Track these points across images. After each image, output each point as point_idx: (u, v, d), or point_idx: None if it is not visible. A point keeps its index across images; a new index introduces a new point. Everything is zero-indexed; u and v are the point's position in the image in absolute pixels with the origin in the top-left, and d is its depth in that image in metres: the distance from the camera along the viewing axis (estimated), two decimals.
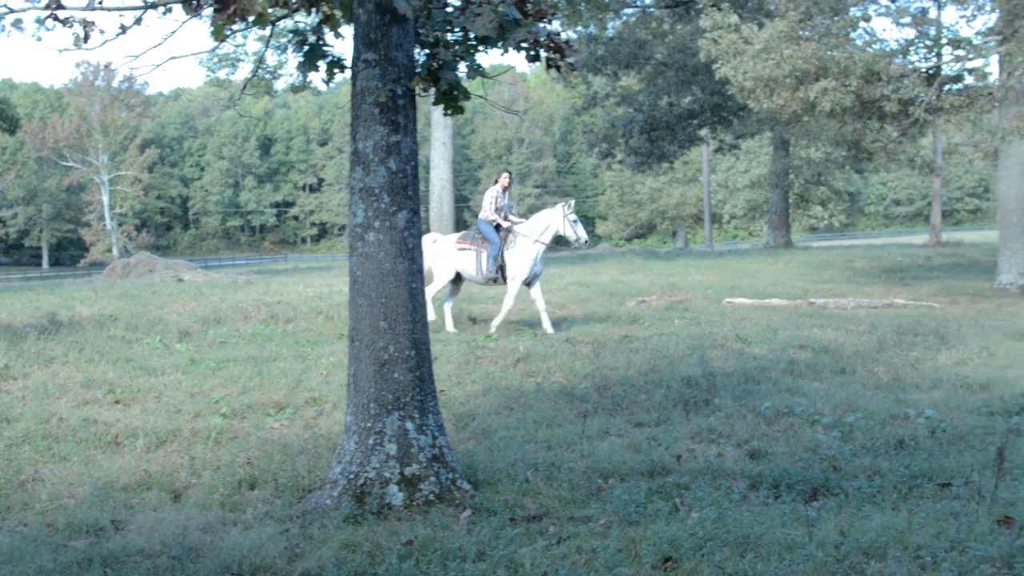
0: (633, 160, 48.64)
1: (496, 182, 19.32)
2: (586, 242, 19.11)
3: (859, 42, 26.33)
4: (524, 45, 7.75)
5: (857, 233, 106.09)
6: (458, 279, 19.36)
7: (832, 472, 8.18)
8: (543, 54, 7.98)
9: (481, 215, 19.28)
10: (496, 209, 19.05)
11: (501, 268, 18.77)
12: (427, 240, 19.33)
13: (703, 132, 48.84)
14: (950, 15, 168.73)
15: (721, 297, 23.09)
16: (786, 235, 51.28)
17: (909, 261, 37.15)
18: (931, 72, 26.36)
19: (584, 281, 26.81)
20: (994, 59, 26.37)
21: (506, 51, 7.61)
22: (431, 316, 18.32)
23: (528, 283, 18.73)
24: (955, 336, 16.48)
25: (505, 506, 7.44)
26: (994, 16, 25.96)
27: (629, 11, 45.68)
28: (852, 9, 26.95)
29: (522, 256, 18.59)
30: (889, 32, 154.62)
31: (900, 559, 6.14)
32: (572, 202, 19.27)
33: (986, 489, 7.42)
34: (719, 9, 26.68)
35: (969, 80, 26.93)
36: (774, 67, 24.16)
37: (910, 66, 26.19)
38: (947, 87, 26.40)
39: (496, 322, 18.62)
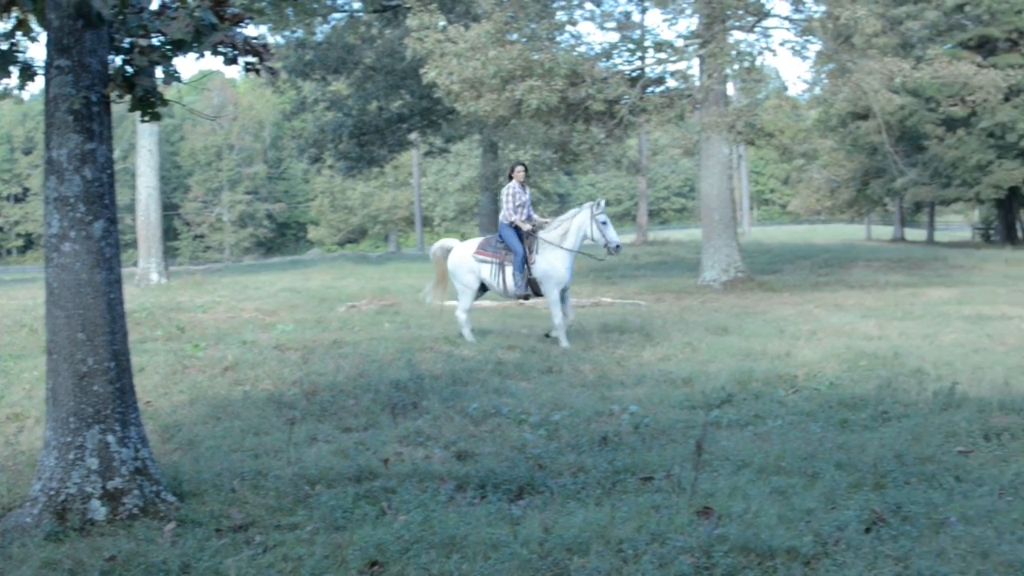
0: (343, 165, 48.48)
1: (511, 177, 17.11)
2: (618, 247, 16.64)
3: (565, 45, 26.98)
4: (221, 49, 7.68)
5: None
6: (483, 288, 17.42)
7: (538, 470, 8.33)
8: (241, 59, 7.91)
9: (501, 217, 17.09)
10: (516, 207, 16.85)
11: (531, 282, 16.66)
12: (441, 248, 18.04)
13: (413, 136, 49.08)
14: (654, 18, 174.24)
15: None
16: None
17: (616, 260, 38.19)
18: (635, 74, 27.25)
19: (295, 287, 26.59)
20: (696, 61, 27.41)
21: (202, 55, 7.52)
22: (468, 337, 16.77)
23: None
24: (660, 333, 17.07)
25: (211, 517, 7.32)
26: (695, 20, 27.01)
27: (337, 16, 45.54)
28: (558, 13, 27.62)
29: (553, 262, 16.50)
30: (596, 36, 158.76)
31: (603, 553, 6.31)
32: (602, 202, 17.00)
33: (686, 481, 7.70)
34: (427, 11, 26.90)
35: (671, 82, 27.99)
36: (479, 68, 24.51)
37: (614, 68, 27.02)
38: (650, 89, 27.36)
39: (558, 335, 16.43)
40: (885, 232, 73.70)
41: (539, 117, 26.07)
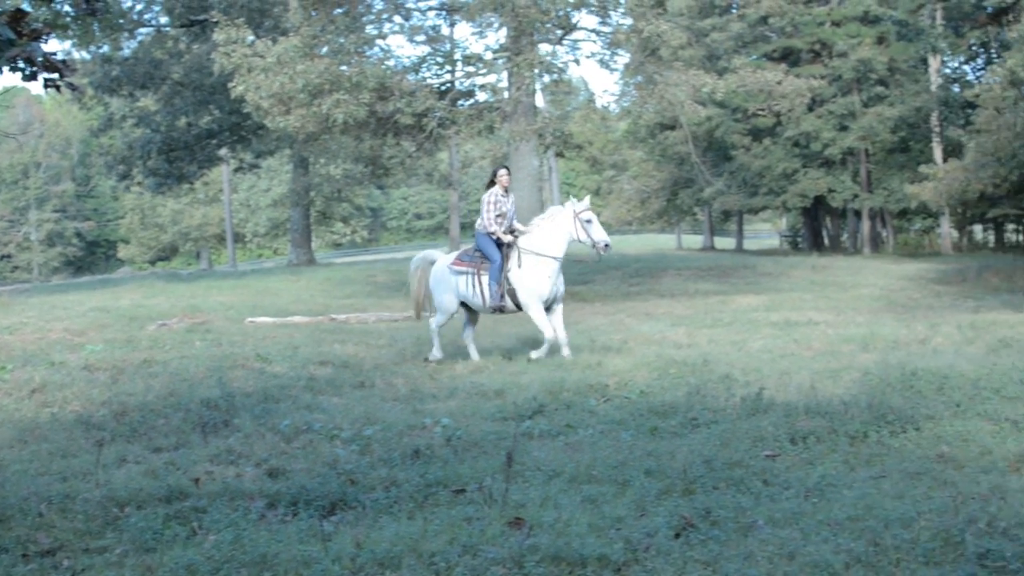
0: (152, 182, 47.89)
1: (493, 182, 15.93)
2: (607, 246, 15.75)
3: (374, 59, 27.03)
4: (20, 65, 7.57)
5: (381, 248, 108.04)
6: (466, 307, 16.40)
7: (350, 486, 8.33)
8: (41, 75, 7.80)
9: (478, 225, 15.99)
10: (497, 217, 15.71)
11: (511, 293, 15.60)
12: (421, 261, 17.24)
13: (223, 152, 48.69)
14: (463, 32, 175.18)
15: (243, 317, 23.02)
16: (309, 252, 51.65)
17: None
18: (444, 87, 27.45)
19: (104, 306, 26.01)
20: (505, 74, 27.69)
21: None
22: (437, 355, 16.18)
23: (547, 307, 15.72)
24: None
25: (17, 542, 7.17)
26: (503, 33, 27.32)
27: (144, 30, 44.89)
28: (368, 27, 27.66)
29: (532, 274, 15.47)
30: (406, 49, 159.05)
31: (415, 567, 6.34)
32: (587, 199, 15.96)
33: (498, 492, 7.81)
34: (234, 25, 26.69)
35: (481, 95, 28.28)
36: (287, 82, 24.42)
37: (423, 82, 27.18)
38: (460, 102, 27.59)
39: (540, 353, 15.54)
40: (695, 241, 75.20)
41: (348, 132, 26.09)
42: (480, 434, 10.20)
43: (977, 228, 64.47)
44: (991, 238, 64.18)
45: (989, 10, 42.34)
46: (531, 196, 28.85)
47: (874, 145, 50.15)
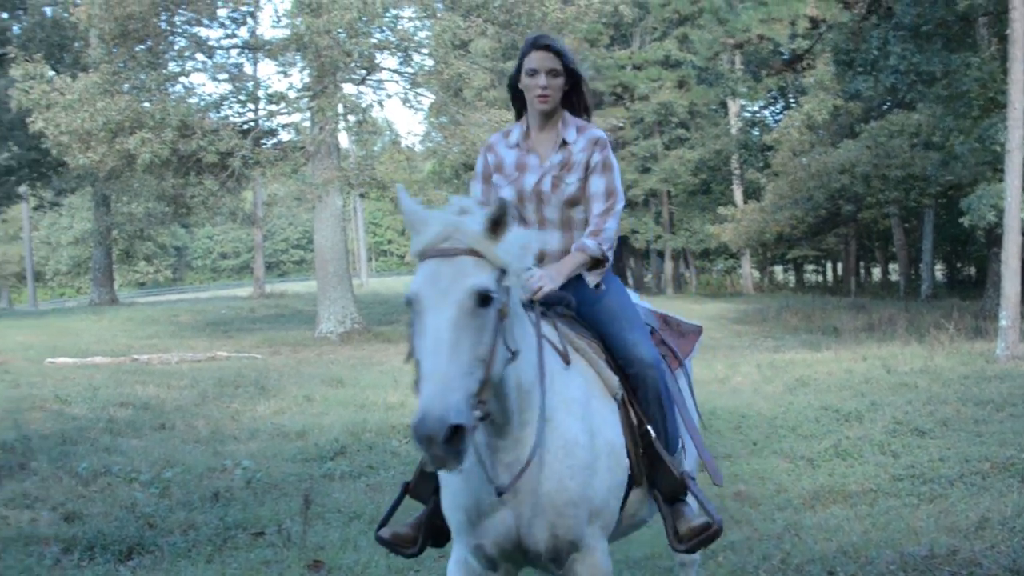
0: None
1: None
2: None
3: (176, 96, 26.73)
4: None
5: (185, 287, 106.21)
6: None
7: (148, 529, 8.28)
8: None
9: None
10: None
11: None
12: None
13: (22, 189, 47.45)
14: (267, 69, 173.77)
15: (43, 357, 22.51)
16: (111, 291, 50.52)
17: (234, 314, 37.93)
18: (248, 126, 27.30)
19: None
20: (309, 113, 27.65)
21: None
22: None
23: None
24: (275, 386, 17.14)
25: None
26: (307, 73, 27.30)
27: None
28: (170, 64, 27.38)
29: None
30: (209, 87, 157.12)
31: None
32: None
33: (297, 535, 7.86)
34: (31, 60, 26.17)
35: (284, 135, 28.19)
36: (88, 119, 24.03)
37: (226, 120, 27.00)
38: (264, 141, 27.46)
39: None
40: None
41: (151, 170, 25.73)
42: (281, 476, 10.23)
43: (778, 269, 66.39)
44: (791, 278, 66.21)
45: (786, 56, 43.77)
46: (335, 236, 28.86)
47: (676, 187, 51.29)
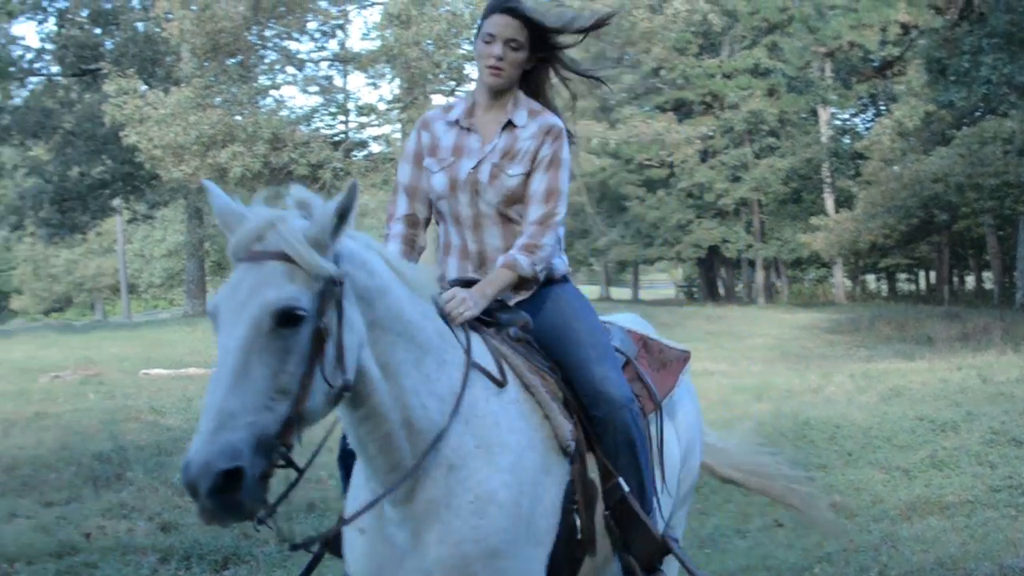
0: (44, 232, 47.22)
1: None
2: None
3: (267, 109, 26.99)
4: None
5: None
6: None
7: (243, 539, 8.24)
8: None
9: None
10: None
11: None
12: None
13: (116, 202, 48.18)
14: (357, 82, 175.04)
15: (138, 369, 22.74)
16: (204, 303, 51.16)
17: None
18: (338, 138, 27.49)
19: None
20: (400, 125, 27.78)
21: None
22: None
23: None
24: None
25: None
26: (396, 84, 27.44)
27: (35, 79, 44.40)
28: (260, 77, 27.66)
29: None
30: (299, 99, 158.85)
31: None
32: None
33: None
34: (124, 76, 26.54)
35: (375, 146, 28.34)
36: (181, 133, 24.32)
37: (317, 132, 27.22)
38: (354, 152, 27.63)
39: None
40: (592, 291, 75.62)
41: (243, 183, 25.99)
42: None
43: (870, 277, 65.54)
44: (884, 287, 65.32)
45: (876, 63, 43.27)
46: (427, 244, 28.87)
47: (767, 196, 50.83)
